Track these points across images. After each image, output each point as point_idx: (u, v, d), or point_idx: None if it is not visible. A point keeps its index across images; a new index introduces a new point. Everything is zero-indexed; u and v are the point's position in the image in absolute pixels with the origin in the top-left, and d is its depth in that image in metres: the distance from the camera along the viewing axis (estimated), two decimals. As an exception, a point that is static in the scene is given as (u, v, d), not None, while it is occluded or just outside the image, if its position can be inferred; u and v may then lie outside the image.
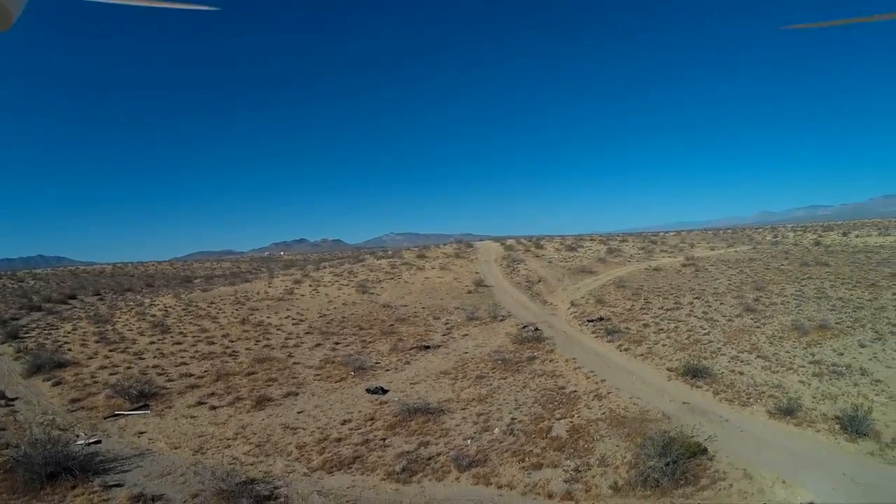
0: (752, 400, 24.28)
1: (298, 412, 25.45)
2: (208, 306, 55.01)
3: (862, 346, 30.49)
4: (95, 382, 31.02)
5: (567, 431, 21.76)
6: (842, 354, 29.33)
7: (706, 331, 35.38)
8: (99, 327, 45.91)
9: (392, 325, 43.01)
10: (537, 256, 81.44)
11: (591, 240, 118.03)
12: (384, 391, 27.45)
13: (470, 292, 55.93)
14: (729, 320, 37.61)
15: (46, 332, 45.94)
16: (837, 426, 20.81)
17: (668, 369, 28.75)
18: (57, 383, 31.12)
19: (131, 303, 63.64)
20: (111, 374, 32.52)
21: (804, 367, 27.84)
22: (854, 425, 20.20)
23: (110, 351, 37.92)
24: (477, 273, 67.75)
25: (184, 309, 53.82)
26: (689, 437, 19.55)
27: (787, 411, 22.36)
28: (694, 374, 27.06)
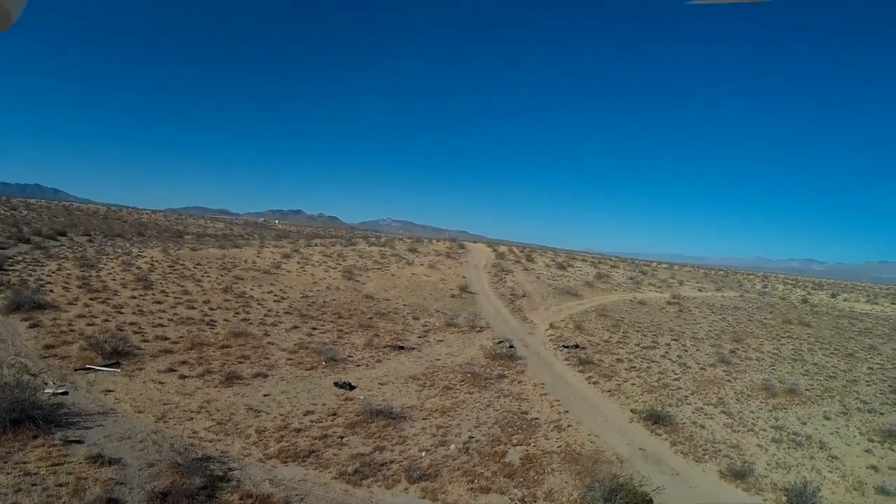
0: (707, 456, 24.60)
1: (265, 395, 25.57)
2: (194, 267, 55.15)
3: (827, 418, 30.85)
4: (72, 331, 31.02)
5: (521, 459, 22.03)
6: (805, 424, 29.67)
7: (677, 376, 35.72)
8: (84, 271, 46.05)
9: (371, 318, 43.14)
10: (526, 270, 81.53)
11: (583, 259, 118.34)
12: (351, 387, 27.65)
13: (454, 296, 56.12)
14: (702, 368, 37.96)
15: (31, 267, 46.02)
16: (784, 498, 21.14)
17: (631, 410, 29.00)
18: (34, 325, 31.13)
19: (119, 250, 63.66)
20: (88, 325, 32.56)
21: (765, 430, 28.18)
22: (801, 500, 20.53)
23: (91, 299, 37.98)
24: (464, 277, 67.88)
25: (170, 266, 53.95)
26: (638, 486, 19.88)
27: (739, 474, 22.71)
28: (656, 419, 27.37)
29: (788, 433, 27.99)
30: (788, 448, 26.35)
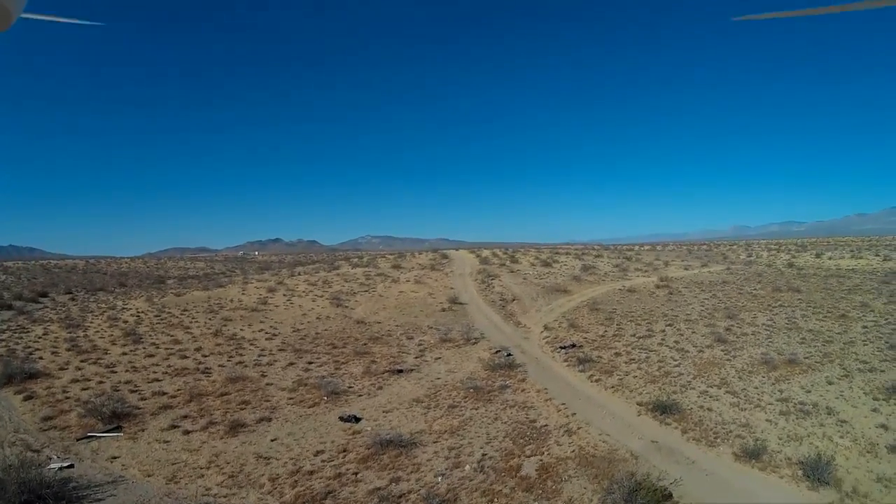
0: (719, 439, 24.63)
1: (272, 440, 25.46)
2: (181, 313, 54.97)
3: (830, 383, 30.92)
4: (67, 398, 30.83)
5: (536, 470, 22.01)
6: (809, 392, 29.72)
7: (677, 362, 35.78)
8: (70, 332, 45.87)
9: (365, 343, 43.08)
10: (512, 272, 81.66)
11: (567, 253, 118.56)
12: (357, 419, 27.57)
13: (444, 310, 56.15)
14: (700, 351, 38.04)
15: (17, 335, 45.70)
16: (801, 472, 21.21)
17: (637, 403, 29.03)
18: (28, 397, 30.92)
19: (103, 305, 63.38)
20: (83, 389, 32.37)
21: (772, 404, 28.19)
22: (816, 472, 20.62)
23: (82, 361, 37.78)
24: (452, 288, 68.02)
25: (156, 315, 53.78)
26: (656, 482, 19.89)
27: (753, 454, 22.76)
28: (663, 409, 27.39)
29: (795, 404, 28.02)
30: (797, 419, 26.37)
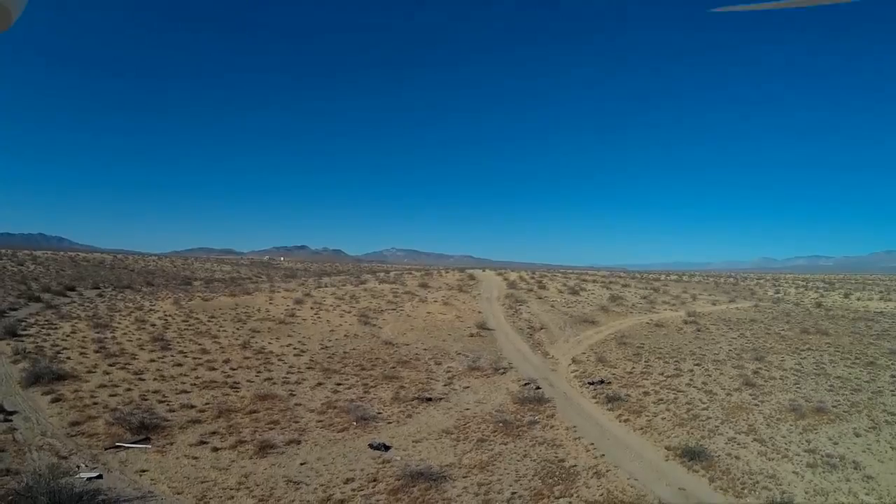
0: (746, 490, 24.61)
1: (301, 464, 25.64)
2: (209, 320, 55.86)
3: (857, 434, 30.78)
4: (95, 404, 31.29)
5: (566, 513, 22.17)
6: (836, 444, 29.57)
7: (705, 405, 35.68)
8: (98, 333, 46.86)
9: (394, 367, 43.34)
10: (540, 298, 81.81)
11: (594, 281, 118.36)
12: (386, 448, 27.79)
13: (472, 335, 56.35)
14: (728, 394, 37.92)
15: (45, 331, 46.77)
16: (827, 531, 21.22)
17: (666, 447, 28.97)
18: (56, 399, 31.41)
19: (130, 304, 64.60)
20: (111, 396, 32.90)
21: (799, 455, 28.07)
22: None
23: (110, 366, 38.48)
24: (480, 312, 68.22)
25: (184, 321, 54.74)
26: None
27: (781, 509, 22.78)
28: (692, 456, 27.37)
29: (822, 456, 27.86)
30: (824, 472, 26.26)
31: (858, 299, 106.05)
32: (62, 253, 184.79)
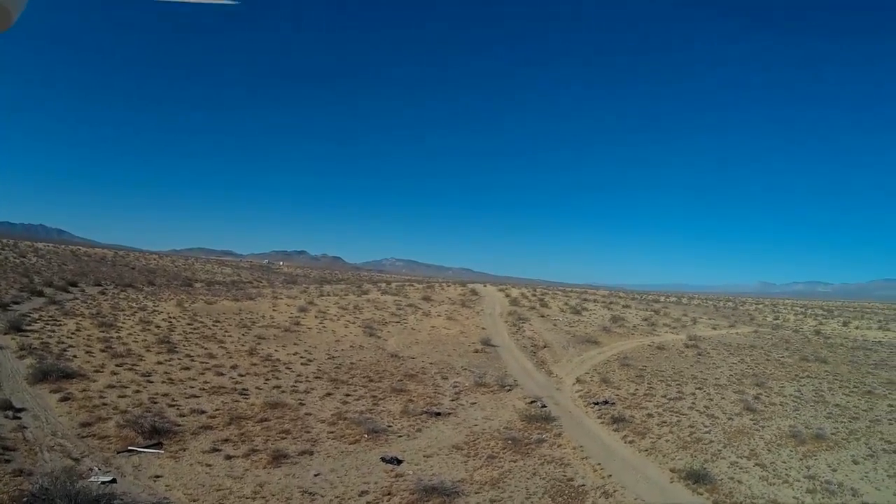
0: (749, 514, 25.31)
1: (315, 475, 25.99)
2: (213, 324, 56.49)
3: (855, 462, 31.51)
4: (105, 405, 31.50)
5: (575, 531, 22.75)
6: (835, 470, 30.30)
7: (707, 428, 36.32)
8: (104, 332, 47.24)
9: (401, 380, 43.86)
10: (542, 316, 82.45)
11: (595, 301, 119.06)
12: (398, 461, 28.31)
13: (477, 351, 56.93)
14: (729, 418, 38.56)
15: (49, 328, 47.01)
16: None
17: (671, 469, 29.59)
18: (65, 398, 31.55)
19: (133, 304, 65.02)
20: (120, 397, 33.12)
21: (799, 481, 28.76)
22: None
23: (117, 366, 38.85)
24: (483, 329, 68.88)
25: (189, 324, 55.30)
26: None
27: (783, 533, 23.40)
28: (696, 478, 27.99)
29: (821, 482, 28.53)
30: (823, 498, 26.89)
31: (857, 328, 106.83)
32: (63, 246, 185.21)
